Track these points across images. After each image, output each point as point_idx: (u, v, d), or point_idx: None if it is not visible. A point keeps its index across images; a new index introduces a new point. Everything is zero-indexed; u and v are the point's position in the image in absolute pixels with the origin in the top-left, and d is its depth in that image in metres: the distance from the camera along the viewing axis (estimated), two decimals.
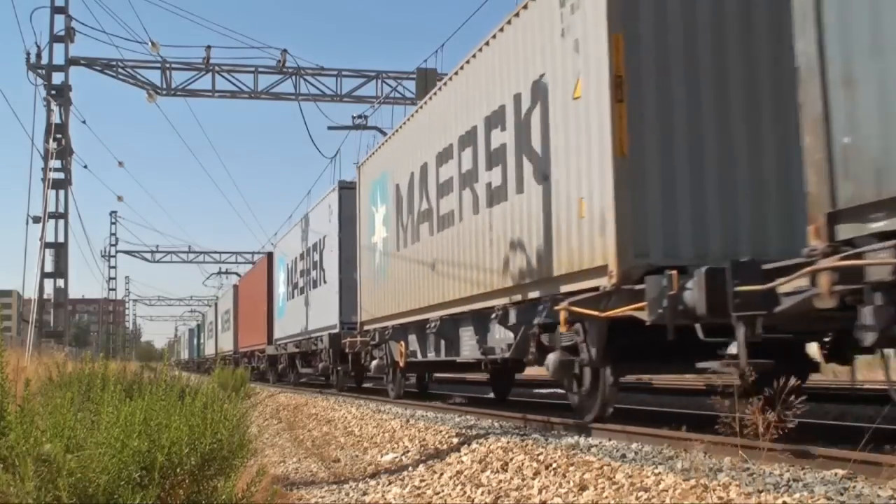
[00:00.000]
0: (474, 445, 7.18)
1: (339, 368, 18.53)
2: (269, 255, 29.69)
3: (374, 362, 15.00)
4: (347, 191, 18.26)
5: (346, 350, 16.43)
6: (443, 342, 11.77)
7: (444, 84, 11.96)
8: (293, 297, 23.98)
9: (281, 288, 26.54)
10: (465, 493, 5.81)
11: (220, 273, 60.50)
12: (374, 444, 9.17)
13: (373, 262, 15.40)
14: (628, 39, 7.22)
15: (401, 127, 14.11)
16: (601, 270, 7.33)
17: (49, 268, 24.98)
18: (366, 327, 15.81)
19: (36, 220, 23.26)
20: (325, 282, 19.67)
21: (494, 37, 9.89)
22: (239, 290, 38.39)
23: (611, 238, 7.19)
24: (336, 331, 18.07)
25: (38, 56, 24.26)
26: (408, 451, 8.10)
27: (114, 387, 3.87)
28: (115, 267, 63.19)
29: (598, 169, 7.40)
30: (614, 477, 5.15)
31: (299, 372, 24.05)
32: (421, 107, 12.98)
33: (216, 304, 48.84)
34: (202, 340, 58.57)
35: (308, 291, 21.75)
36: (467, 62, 10.80)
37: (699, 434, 5.84)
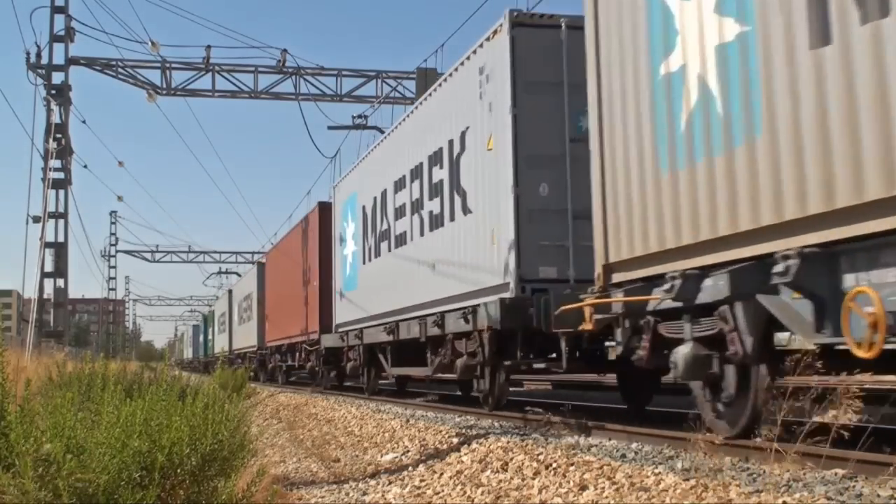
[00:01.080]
0: (474, 445, 7.18)
1: (513, 372, 10.43)
2: (323, 207, 20.30)
3: (684, 351, 6.28)
4: (531, 30, 9.59)
5: (579, 328, 7.74)
6: None
7: None
8: (379, 254, 15.36)
9: (349, 247, 17.67)
10: (465, 492, 5.81)
11: (220, 273, 60.54)
12: (374, 443, 9.17)
13: (703, 109, 5.97)
14: None
15: None
16: None
17: (49, 268, 24.98)
18: (630, 275, 7.13)
19: (36, 219, 23.28)
20: (465, 211, 10.90)
21: None
22: (268, 267, 30.22)
23: None
24: (509, 294, 9.39)
25: (38, 56, 24.27)
26: (408, 451, 8.10)
27: (114, 387, 3.88)
28: (115, 267, 63.40)
29: None
30: (614, 477, 5.15)
31: (380, 373, 16.15)
32: None
33: (230, 292, 41.30)
34: (210, 336, 52.82)
35: (418, 237, 12.93)
36: None
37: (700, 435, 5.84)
